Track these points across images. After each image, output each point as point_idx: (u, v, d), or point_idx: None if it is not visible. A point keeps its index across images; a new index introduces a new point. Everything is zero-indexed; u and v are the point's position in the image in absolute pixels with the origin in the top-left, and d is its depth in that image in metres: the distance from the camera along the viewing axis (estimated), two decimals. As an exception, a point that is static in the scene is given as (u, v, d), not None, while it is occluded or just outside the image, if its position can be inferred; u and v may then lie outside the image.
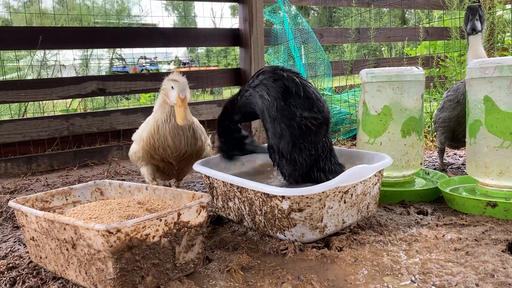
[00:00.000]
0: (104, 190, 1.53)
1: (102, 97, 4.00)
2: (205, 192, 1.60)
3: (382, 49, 6.71)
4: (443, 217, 1.53)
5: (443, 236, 1.34)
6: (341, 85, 4.13)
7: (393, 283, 1.07)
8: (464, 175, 1.86)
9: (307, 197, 1.24)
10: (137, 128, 1.87)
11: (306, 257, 1.23)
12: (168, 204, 1.29)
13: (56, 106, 3.65)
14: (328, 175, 1.48)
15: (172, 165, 1.77)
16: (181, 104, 1.56)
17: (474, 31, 1.97)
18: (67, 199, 1.45)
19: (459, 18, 3.85)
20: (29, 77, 3.65)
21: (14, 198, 1.43)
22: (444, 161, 2.38)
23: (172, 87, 1.61)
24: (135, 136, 1.83)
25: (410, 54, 4.79)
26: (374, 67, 4.05)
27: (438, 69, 4.21)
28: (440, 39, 4.53)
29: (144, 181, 2.24)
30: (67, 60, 4.06)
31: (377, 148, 1.81)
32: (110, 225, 0.97)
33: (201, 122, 1.89)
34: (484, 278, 1.06)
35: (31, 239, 1.24)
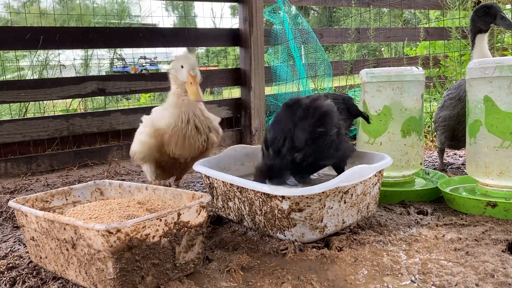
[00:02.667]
0: (104, 190, 1.53)
1: (102, 97, 4.00)
2: (205, 192, 1.60)
3: (382, 49, 6.72)
4: (443, 217, 1.53)
5: (443, 236, 1.34)
6: (341, 85, 4.13)
7: (393, 283, 1.07)
8: (464, 175, 1.86)
9: (307, 197, 1.24)
10: (137, 128, 1.84)
11: (306, 257, 1.23)
12: (168, 204, 1.29)
13: (56, 106, 3.65)
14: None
15: (178, 161, 1.75)
16: (193, 81, 1.58)
17: None
18: (67, 199, 1.45)
19: (459, 18, 3.85)
20: (29, 77, 3.65)
21: (14, 198, 1.43)
22: (444, 161, 2.38)
23: (182, 66, 1.62)
24: (144, 125, 1.78)
25: (410, 54, 4.79)
26: (374, 67, 4.05)
27: (438, 69, 4.21)
28: (440, 39, 4.53)
29: (144, 181, 2.24)
30: (67, 60, 4.06)
31: (377, 148, 1.81)
32: (110, 225, 0.97)
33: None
34: (484, 278, 1.06)
35: (31, 239, 1.24)
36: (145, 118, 1.78)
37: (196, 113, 1.65)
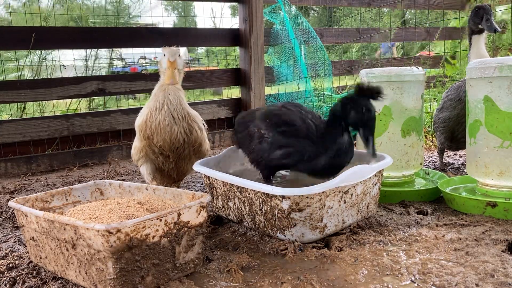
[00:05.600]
0: (104, 190, 1.53)
1: (102, 97, 3.99)
2: (205, 192, 1.60)
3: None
4: (443, 217, 1.53)
5: (443, 236, 1.34)
6: (341, 85, 4.13)
7: (393, 283, 1.07)
8: (464, 175, 1.86)
9: (307, 197, 1.24)
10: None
11: (306, 257, 1.23)
12: (168, 204, 1.29)
13: (56, 106, 3.65)
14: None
15: (168, 159, 1.77)
16: (170, 66, 1.69)
17: (496, 31, 1.99)
18: (67, 199, 1.45)
19: (459, 18, 3.85)
20: (29, 77, 3.65)
21: (14, 198, 1.43)
22: (444, 161, 2.38)
23: (164, 55, 1.73)
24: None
25: (414, 54, 4.79)
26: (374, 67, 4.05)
27: (440, 69, 4.21)
28: (441, 39, 4.53)
29: (144, 181, 2.24)
30: (67, 60, 4.06)
31: (377, 148, 1.81)
32: (110, 225, 0.97)
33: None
34: (484, 278, 1.06)
35: (31, 239, 1.24)
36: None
37: (171, 101, 1.70)
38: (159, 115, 1.68)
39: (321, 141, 1.45)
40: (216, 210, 1.61)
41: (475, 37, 2.04)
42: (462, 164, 2.38)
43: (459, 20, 3.95)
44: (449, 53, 4.31)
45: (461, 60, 3.84)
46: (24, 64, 3.57)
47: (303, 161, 1.46)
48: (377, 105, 1.80)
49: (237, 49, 3.57)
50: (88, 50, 3.96)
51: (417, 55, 4.75)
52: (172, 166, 1.81)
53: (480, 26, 2.01)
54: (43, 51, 3.65)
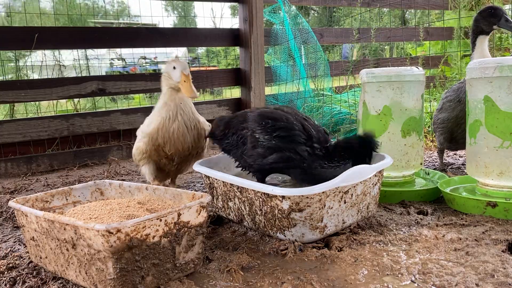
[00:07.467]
0: (104, 190, 1.53)
1: (102, 98, 3.99)
2: (205, 192, 1.60)
3: (384, 48, 6.72)
4: (443, 217, 1.53)
5: (443, 236, 1.34)
6: (341, 85, 4.13)
7: (393, 283, 1.07)
8: (464, 175, 1.86)
9: (307, 197, 1.24)
10: (137, 128, 1.87)
11: (306, 257, 1.23)
12: (168, 204, 1.29)
13: (53, 106, 3.64)
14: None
15: (172, 162, 1.79)
16: (186, 79, 1.68)
17: None
18: (67, 199, 1.45)
19: (459, 18, 3.85)
20: (29, 78, 3.65)
21: (14, 198, 1.43)
22: (444, 161, 2.38)
23: (174, 68, 1.71)
24: (138, 132, 1.84)
25: (411, 54, 4.80)
26: (375, 67, 4.05)
27: (440, 69, 4.21)
28: (440, 39, 4.53)
29: (144, 181, 2.24)
30: (67, 60, 4.06)
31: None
32: (110, 225, 0.97)
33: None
34: (484, 278, 1.06)
35: (31, 239, 1.24)
36: (139, 130, 1.85)
37: (184, 111, 1.71)
38: (173, 125, 1.69)
39: (323, 157, 1.46)
40: (216, 210, 1.61)
41: (481, 37, 2.03)
42: (462, 164, 2.38)
43: (459, 21, 3.95)
44: (447, 53, 4.31)
45: (460, 60, 3.84)
46: (31, 63, 3.57)
47: (298, 167, 1.46)
48: (377, 105, 1.80)
49: (237, 49, 3.57)
50: (89, 50, 3.96)
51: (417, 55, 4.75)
52: (174, 168, 1.82)
53: (495, 27, 2.00)
54: (43, 52, 3.65)
